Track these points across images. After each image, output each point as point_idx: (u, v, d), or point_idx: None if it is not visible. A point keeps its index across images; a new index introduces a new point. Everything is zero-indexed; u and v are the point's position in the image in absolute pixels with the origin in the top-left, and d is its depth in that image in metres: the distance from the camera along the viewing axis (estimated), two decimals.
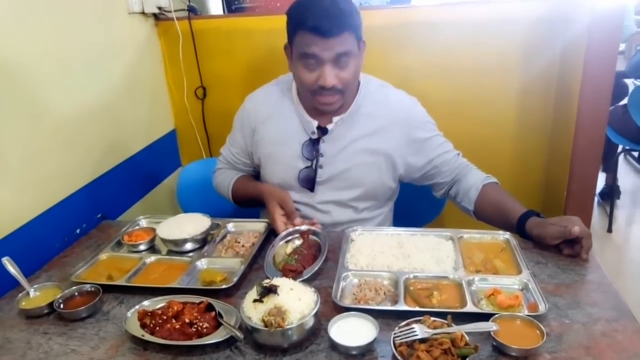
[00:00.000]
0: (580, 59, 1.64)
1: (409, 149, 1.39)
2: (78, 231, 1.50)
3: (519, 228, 1.24)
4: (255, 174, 1.57)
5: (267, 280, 0.97)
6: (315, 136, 1.37)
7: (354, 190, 1.40)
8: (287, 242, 1.26)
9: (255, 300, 0.92)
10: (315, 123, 1.36)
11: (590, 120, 1.65)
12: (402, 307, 0.99)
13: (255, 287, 0.96)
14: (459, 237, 1.25)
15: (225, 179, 1.55)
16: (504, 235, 1.25)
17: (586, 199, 1.73)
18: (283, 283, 0.96)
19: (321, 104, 1.29)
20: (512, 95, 1.85)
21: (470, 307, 0.98)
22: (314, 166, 1.38)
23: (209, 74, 2.05)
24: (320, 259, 1.17)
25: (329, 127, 1.36)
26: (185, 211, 1.83)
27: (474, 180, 1.38)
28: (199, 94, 2.08)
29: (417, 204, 1.67)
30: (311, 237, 1.27)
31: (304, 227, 1.27)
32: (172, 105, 2.12)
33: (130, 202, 1.82)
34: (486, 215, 1.36)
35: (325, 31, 1.17)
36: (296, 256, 1.18)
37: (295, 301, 0.92)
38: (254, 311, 0.91)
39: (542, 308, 0.97)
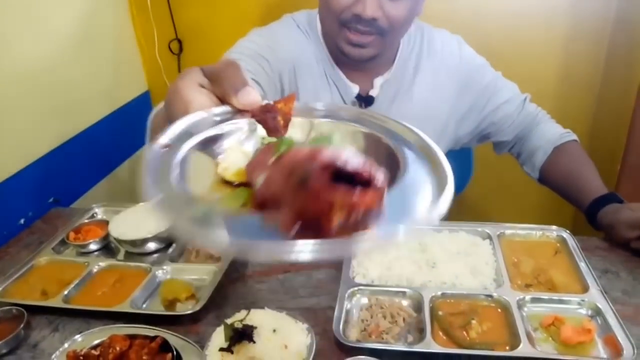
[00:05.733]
0: None
1: (459, 110, 1.09)
2: (22, 221, 1.22)
3: (589, 215, 0.96)
4: None
5: (239, 317, 0.69)
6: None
7: None
8: (206, 146, 0.43)
9: (222, 350, 0.65)
10: (355, 89, 1.01)
11: None
12: (428, 347, 0.72)
13: (223, 328, 0.68)
14: (498, 235, 0.96)
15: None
16: (558, 232, 0.96)
17: None
18: (263, 321, 0.68)
19: (349, 42, 0.93)
20: (556, 43, 1.51)
21: (526, 349, 0.70)
22: None
23: (185, 24, 1.70)
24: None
25: (373, 93, 1.02)
26: None
27: (543, 140, 1.08)
28: (173, 48, 1.74)
29: None
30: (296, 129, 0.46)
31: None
32: (143, 62, 1.78)
33: (92, 182, 1.53)
34: (553, 186, 1.08)
35: None
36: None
37: (279, 350, 0.65)
38: None
39: (627, 351, 0.69)
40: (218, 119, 0.42)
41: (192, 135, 0.40)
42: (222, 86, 0.44)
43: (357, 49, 0.94)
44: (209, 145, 0.41)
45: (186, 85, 0.45)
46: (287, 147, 0.38)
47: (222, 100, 0.44)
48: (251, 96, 0.43)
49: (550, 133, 1.09)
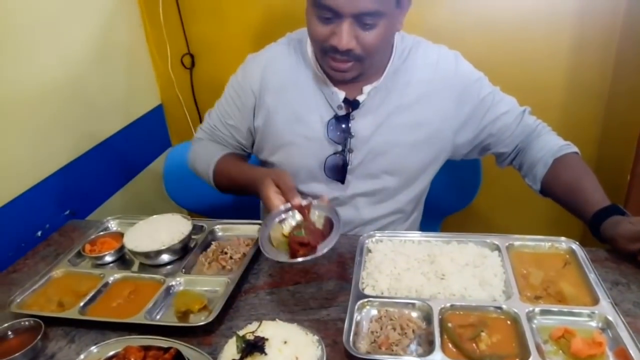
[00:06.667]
0: None
1: (457, 118, 1.10)
2: (39, 233, 1.25)
3: (592, 227, 0.96)
4: (248, 155, 1.28)
5: (251, 329, 0.70)
6: (342, 112, 1.07)
7: (392, 177, 1.11)
8: (281, 222, 0.94)
9: None
10: (342, 95, 1.06)
11: None
12: (438, 359, 0.72)
13: (235, 339, 0.69)
14: (507, 246, 0.96)
15: (207, 154, 1.21)
16: (567, 244, 0.96)
17: None
18: (274, 333, 0.69)
19: (330, 67, 1.00)
20: (562, 53, 1.52)
21: None
22: (344, 151, 1.08)
23: (197, 39, 1.74)
24: (336, 232, 0.87)
25: (360, 98, 1.06)
26: (175, 200, 1.58)
27: (543, 151, 1.08)
28: (186, 62, 1.77)
29: (442, 189, 1.38)
30: (314, 212, 0.94)
31: (303, 202, 0.95)
32: (157, 76, 1.82)
33: (108, 194, 1.57)
34: (555, 198, 1.08)
35: None
36: (303, 230, 0.89)
37: None
38: None
39: None
40: (286, 209, 0.93)
41: (276, 216, 0.93)
42: (285, 195, 0.94)
43: (340, 73, 1.00)
44: (282, 220, 0.93)
45: (272, 193, 0.95)
46: (296, 233, 0.87)
47: (286, 200, 0.94)
48: (297, 200, 0.93)
49: (550, 145, 1.09)
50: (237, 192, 1.18)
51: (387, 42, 1.01)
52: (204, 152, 1.23)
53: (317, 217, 0.93)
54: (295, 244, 0.84)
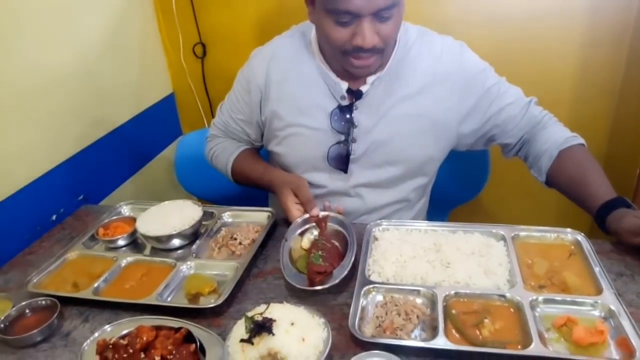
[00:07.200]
0: None
1: (461, 110, 1.10)
2: (54, 217, 1.29)
3: (598, 220, 0.96)
4: (259, 147, 1.31)
5: (259, 310, 0.72)
6: (345, 102, 1.08)
7: (395, 168, 1.12)
8: (301, 234, 1.01)
9: (243, 341, 0.68)
10: (344, 85, 1.07)
11: None
12: (441, 343, 0.74)
13: (244, 320, 0.71)
14: (513, 236, 0.97)
15: (224, 153, 1.26)
16: (573, 235, 0.97)
17: None
18: (282, 314, 0.71)
19: (355, 67, 1.00)
20: (573, 48, 1.51)
21: (537, 348, 0.71)
22: (347, 140, 1.09)
23: (209, 29, 1.75)
24: (350, 255, 0.93)
25: (363, 89, 1.07)
26: (186, 188, 1.61)
27: (549, 143, 1.08)
28: (197, 51, 1.79)
29: (450, 181, 1.39)
30: (330, 225, 1.03)
31: (321, 214, 1.03)
32: (169, 65, 1.84)
33: (120, 180, 1.59)
34: (560, 190, 1.08)
35: None
36: (320, 252, 0.92)
37: (297, 343, 0.67)
38: (241, 355, 0.67)
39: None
40: (305, 220, 1.05)
41: (296, 229, 1.03)
42: (304, 206, 1.06)
43: (362, 70, 1.01)
44: (302, 232, 1.03)
45: (291, 204, 1.06)
46: (314, 259, 0.91)
47: (305, 211, 1.05)
48: (315, 211, 1.04)
49: (556, 137, 1.09)
50: (255, 189, 1.25)
51: (400, 27, 1.02)
52: (220, 150, 1.28)
53: (333, 231, 1.02)
54: (313, 272, 0.88)
